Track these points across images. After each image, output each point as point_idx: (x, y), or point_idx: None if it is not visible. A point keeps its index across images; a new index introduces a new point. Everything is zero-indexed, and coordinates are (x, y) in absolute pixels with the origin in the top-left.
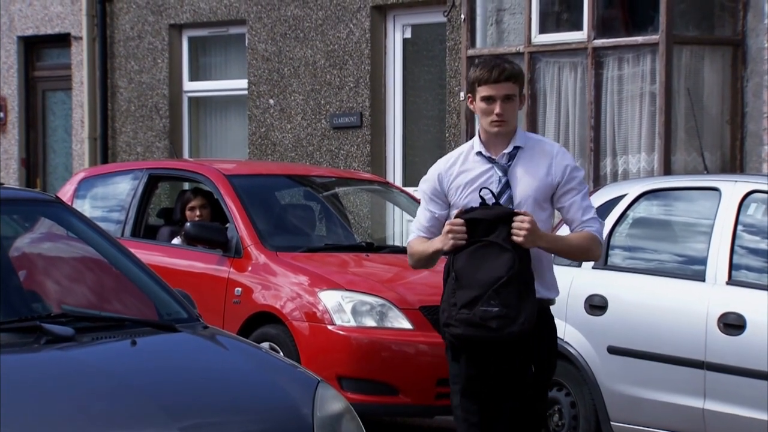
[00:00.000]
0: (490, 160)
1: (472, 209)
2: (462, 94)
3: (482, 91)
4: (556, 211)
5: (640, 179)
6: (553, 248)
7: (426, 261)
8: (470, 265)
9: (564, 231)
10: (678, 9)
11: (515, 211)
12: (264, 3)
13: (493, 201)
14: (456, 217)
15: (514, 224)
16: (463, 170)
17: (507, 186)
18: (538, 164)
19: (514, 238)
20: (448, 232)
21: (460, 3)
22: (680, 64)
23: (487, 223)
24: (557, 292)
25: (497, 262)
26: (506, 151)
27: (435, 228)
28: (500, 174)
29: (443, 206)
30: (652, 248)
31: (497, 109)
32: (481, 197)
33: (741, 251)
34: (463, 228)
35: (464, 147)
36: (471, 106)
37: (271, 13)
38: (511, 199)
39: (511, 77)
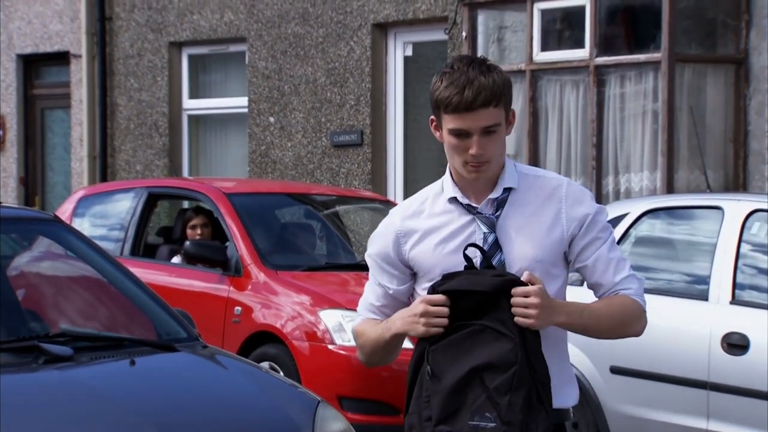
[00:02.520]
0: (469, 209)
1: (453, 276)
2: None
3: (450, 121)
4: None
5: (642, 198)
6: (575, 324)
7: (382, 352)
8: (453, 358)
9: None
10: (680, 27)
11: (513, 277)
12: (264, 20)
13: (482, 263)
14: (431, 291)
15: (515, 300)
16: (431, 226)
17: (496, 247)
18: (540, 211)
19: (519, 320)
20: (423, 314)
21: (461, 20)
22: (683, 82)
23: (478, 297)
24: (576, 397)
25: (489, 352)
26: (493, 195)
27: (390, 310)
28: (485, 230)
29: (402, 279)
30: (654, 267)
31: (473, 149)
32: (466, 257)
33: (744, 271)
34: (445, 309)
35: (429, 190)
36: (435, 134)
37: (271, 31)
38: (503, 265)
39: (491, 99)
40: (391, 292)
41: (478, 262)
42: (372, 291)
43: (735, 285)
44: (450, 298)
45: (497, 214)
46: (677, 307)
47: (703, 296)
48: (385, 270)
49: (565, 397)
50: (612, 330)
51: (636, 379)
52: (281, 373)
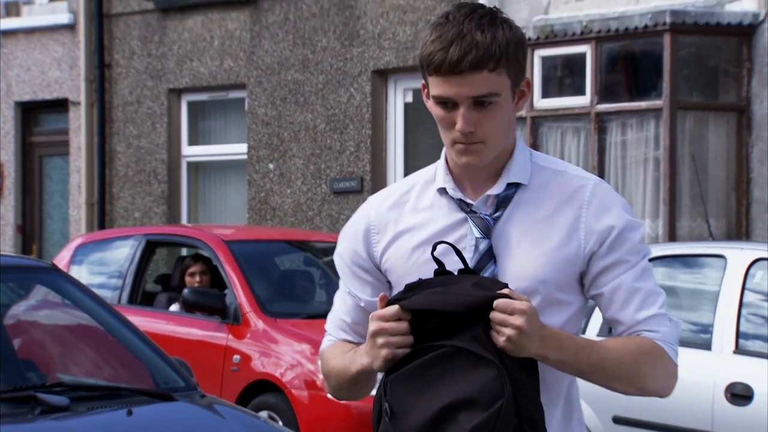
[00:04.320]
0: (462, 205)
1: (419, 286)
2: None
3: (434, 85)
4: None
5: None
6: (568, 364)
7: (350, 388)
8: (418, 391)
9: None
10: (682, 74)
11: (497, 292)
12: (264, 67)
13: (461, 267)
14: (389, 303)
15: (495, 315)
16: (411, 223)
17: (488, 258)
18: (554, 217)
19: (495, 337)
20: (377, 333)
21: None
22: (684, 130)
23: (447, 317)
24: None
25: (468, 384)
26: (492, 191)
27: (364, 328)
28: (477, 234)
29: (376, 286)
30: None
31: (459, 123)
32: (435, 258)
33: (748, 320)
34: (404, 325)
35: (419, 176)
36: (426, 103)
37: (271, 78)
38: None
39: (485, 61)
40: (362, 304)
41: (455, 267)
42: (342, 303)
43: (738, 334)
44: (415, 317)
45: (496, 215)
46: (680, 356)
47: (707, 345)
48: (356, 275)
49: None
50: (623, 380)
51: (639, 429)
52: (280, 423)
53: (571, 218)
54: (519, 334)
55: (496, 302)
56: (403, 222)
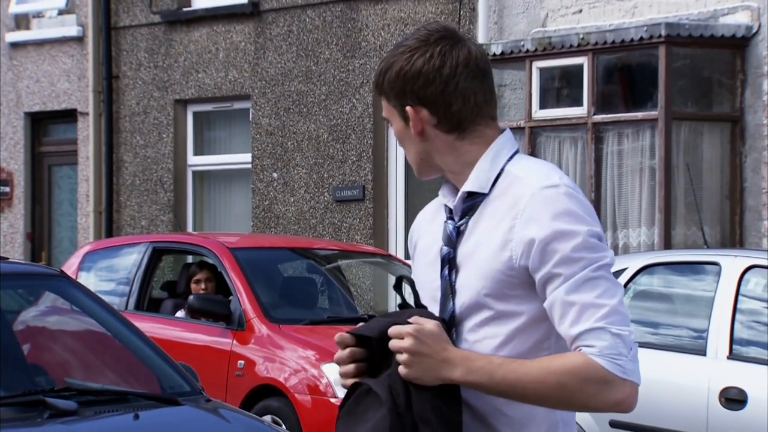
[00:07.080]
0: (447, 212)
1: (384, 315)
2: None
3: None
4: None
5: (640, 253)
6: (482, 385)
7: None
8: (347, 429)
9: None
10: (677, 85)
11: (398, 321)
12: (268, 78)
13: (413, 299)
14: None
15: (391, 344)
16: (424, 230)
17: (444, 267)
18: (498, 227)
19: (400, 369)
20: (335, 362)
21: None
22: (679, 140)
23: (386, 350)
24: None
25: (374, 422)
26: (453, 203)
27: None
28: (444, 245)
29: None
30: (652, 322)
31: None
32: (396, 291)
33: (742, 325)
34: (343, 354)
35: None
36: None
37: (275, 89)
38: (449, 291)
39: (374, 87)
40: None
41: (410, 298)
42: None
43: (732, 340)
44: (363, 344)
45: (459, 224)
46: (675, 361)
47: (701, 351)
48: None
49: None
50: (551, 400)
51: None
52: (283, 427)
53: (506, 228)
54: (411, 357)
55: (390, 330)
56: (419, 231)
